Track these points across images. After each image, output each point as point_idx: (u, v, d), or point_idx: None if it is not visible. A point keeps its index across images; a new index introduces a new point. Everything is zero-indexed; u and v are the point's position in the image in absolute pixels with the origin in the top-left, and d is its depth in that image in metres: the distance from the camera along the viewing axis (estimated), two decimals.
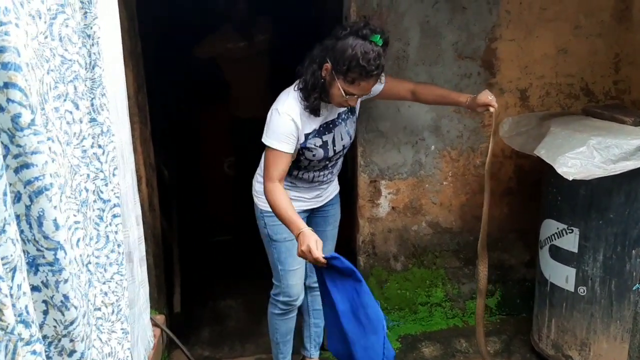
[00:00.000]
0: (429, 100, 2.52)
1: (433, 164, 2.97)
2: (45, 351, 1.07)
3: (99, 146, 1.33)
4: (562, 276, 2.58)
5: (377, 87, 2.31)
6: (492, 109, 2.31)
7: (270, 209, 2.21)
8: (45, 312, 1.09)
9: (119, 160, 1.42)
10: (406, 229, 3.05)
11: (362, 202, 2.98)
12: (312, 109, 2.17)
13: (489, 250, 3.10)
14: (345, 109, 2.30)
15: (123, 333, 1.39)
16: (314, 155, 2.28)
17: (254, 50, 3.96)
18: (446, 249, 3.10)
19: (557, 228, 2.56)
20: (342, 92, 2.07)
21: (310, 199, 2.46)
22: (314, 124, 2.23)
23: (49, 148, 1.08)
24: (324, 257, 1.94)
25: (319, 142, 2.27)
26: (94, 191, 1.31)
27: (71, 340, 1.11)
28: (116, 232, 1.35)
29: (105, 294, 1.32)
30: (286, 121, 2.15)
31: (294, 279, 2.49)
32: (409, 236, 3.06)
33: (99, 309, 1.32)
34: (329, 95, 2.14)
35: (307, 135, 2.23)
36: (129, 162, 1.73)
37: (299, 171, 2.35)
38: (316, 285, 2.65)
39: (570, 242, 2.51)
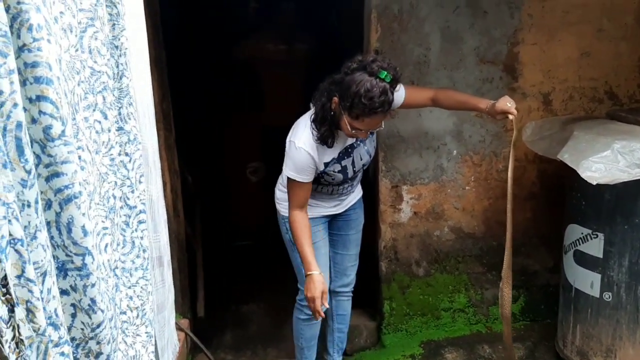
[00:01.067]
0: (449, 106, 2.49)
1: (455, 169, 2.96)
2: (73, 353, 1.11)
3: (126, 154, 1.36)
4: (587, 282, 2.55)
5: (398, 101, 2.29)
6: (511, 117, 2.25)
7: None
8: (74, 315, 1.12)
9: (149, 167, 1.45)
10: (428, 234, 3.04)
11: (383, 207, 2.99)
12: (323, 140, 2.20)
13: (512, 256, 3.09)
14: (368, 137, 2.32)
15: (147, 337, 1.42)
16: (333, 179, 2.34)
17: (293, 57, 3.97)
18: (469, 254, 3.09)
19: (582, 233, 2.54)
20: (349, 126, 2.10)
21: (330, 207, 2.49)
22: (332, 152, 2.27)
23: (79, 157, 1.12)
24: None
25: (337, 167, 2.31)
26: (120, 198, 1.34)
27: (98, 343, 1.15)
28: (142, 238, 1.38)
29: (131, 298, 1.35)
30: (303, 155, 2.20)
31: None
32: (431, 241, 3.05)
33: (124, 313, 1.35)
34: (338, 127, 2.18)
35: (326, 164, 2.27)
36: (158, 168, 1.76)
37: (319, 185, 2.39)
38: (341, 289, 2.69)
39: (595, 247, 2.49)
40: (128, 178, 1.37)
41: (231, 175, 4.64)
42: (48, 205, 1.03)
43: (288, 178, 2.26)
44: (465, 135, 2.93)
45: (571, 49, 2.86)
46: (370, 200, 3.10)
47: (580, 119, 2.74)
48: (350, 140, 2.30)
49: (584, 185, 2.42)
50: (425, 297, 3.10)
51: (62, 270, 1.08)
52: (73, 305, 1.11)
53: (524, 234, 3.06)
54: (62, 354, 0.98)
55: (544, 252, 3.11)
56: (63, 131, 1.01)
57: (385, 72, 1.98)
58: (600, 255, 2.47)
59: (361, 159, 2.37)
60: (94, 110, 1.23)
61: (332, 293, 2.71)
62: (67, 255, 1.08)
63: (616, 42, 2.85)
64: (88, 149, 1.18)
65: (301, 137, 2.21)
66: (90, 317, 1.13)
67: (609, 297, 2.48)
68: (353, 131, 2.12)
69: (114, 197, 1.32)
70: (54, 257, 1.06)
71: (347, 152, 2.32)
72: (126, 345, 1.36)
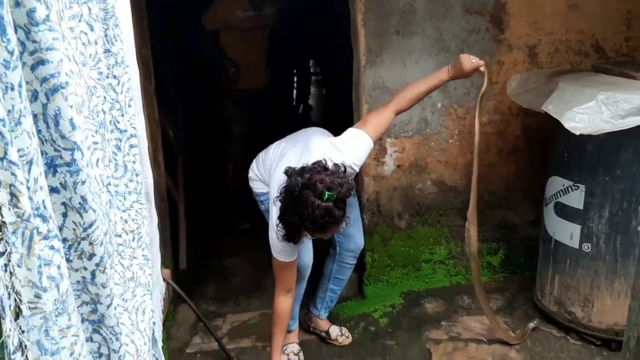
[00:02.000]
0: (414, 102, 2.36)
1: (439, 122, 2.95)
2: (66, 254, 1.08)
3: (114, 77, 1.31)
4: (566, 233, 2.58)
5: (369, 148, 2.26)
6: (482, 68, 2.24)
7: (261, 191, 2.41)
8: (65, 215, 1.09)
9: (134, 93, 1.40)
10: (411, 187, 3.05)
11: (367, 160, 2.96)
12: (289, 239, 2.16)
13: (493, 209, 3.12)
14: None
15: (144, 259, 1.40)
16: None
17: (260, 23, 3.87)
18: (450, 207, 3.10)
19: (563, 185, 2.55)
20: (309, 235, 2.13)
21: None
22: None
23: (65, 54, 1.08)
24: None
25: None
26: (110, 121, 1.30)
27: (90, 244, 1.12)
28: (134, 162, 1.35)
29: (125, 221, 1.32)
30: (285, 244, 2.19)
31: (303, 248, 2.48)
32: (414, 194, 3.06)
33: (120, 236, 1.33)
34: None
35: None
36: (141, 102, 1.70)
37: None
38: (346, 253, 2.67)
39: (576, 198, 2.51)
40: (117, 101, 1.33)
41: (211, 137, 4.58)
42: (34, 96, 1.00)
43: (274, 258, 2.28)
44: (450, 88, 2.90)
45: (558, 1, 2.82)
46: None
47: (565, 72, 2.73)
48: None
49: (567, 137, 2.43)
50: (407, 249, 3.12)
51: (52, 167, 1.05)
52: (64, 204, 1.08)
53: (506, 188, 3.08)
54: (52, 247, 0.96)
55: (526, 206, 3.13)
56: (48, 15, 0.97)
57: (329, 193, 1.93)
58: (581, 207, 2.50)
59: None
60: (79, 20, 1.17)
61: (338, 255, 2.70)
62: (55, 150, 1.04)
63: None
64: (75, 59, 1.14)
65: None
66: (81, 216, 1.09)
67: (588, 248, 2.52)
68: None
69: (103, 112, 1.28)
70: (42, 152, 1.03)
71: None
72: (123, 267, 1.34)
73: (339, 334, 2.77)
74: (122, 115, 1.29)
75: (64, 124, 1.02)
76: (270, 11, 3.91)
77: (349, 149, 2.21)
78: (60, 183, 1.06)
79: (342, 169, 2.07)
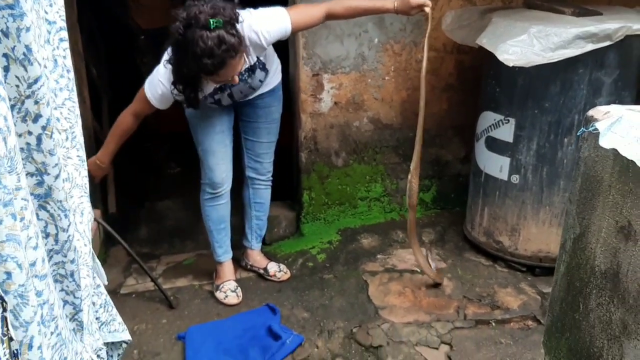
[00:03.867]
0: (348, 16, 2.33)
1: (376, 58, 2.94)
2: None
3: None
4: (496, 166, 2.68)
5: (285, 32, 2.19)
6: (427, 9, 2.21)
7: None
8: (6, 69, 0.97)
9: None
10: (348, 124, 3.05)
11: (304, 96, 2.94)
12: (191, 103, 2.15)
13: (426, 147, 3.18)
14: (243, 71, 2.22)
15: (80, 160, 1.31)
16: (210, 103, 2.31)
17: None
18: (386, 145, 3.14)
19: (494, 119, 2.63)
20: (210, 82, 2.08)
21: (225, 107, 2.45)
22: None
23: None
24: None
25: (210, 100, 2.29)
26: (43, 5, 1.18)
27: (36, 102, 1.01)
28: (64, 57, 1.23)
29: (57, 119, 1.22)
30: (162, 87, 2.17)
31: (213, 160, 2.48)
32: (351, 132, 3.07)
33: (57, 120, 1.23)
34: (201, 85, 2.16)
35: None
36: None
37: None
38: (256, 176, 2.67)
39: (506, 132, 2.60)
40: None
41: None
42: None
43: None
44: (387, 23, 2.89)
45: None
46: (290, 90, 3.05)
47: (498, 9, 2.78)
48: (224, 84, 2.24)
49: (499, 71, 2.50)
50: (344, 187, 3.15)
51: None
52: (5, 55, 0.96)
53: (438, 125, 3.15)
54: None
55: (457, 143, 3.22)
56: None
57: (214, 20, 1.87)
58: (511, 140, 2.59)
59: (241, 92, 2.31)
60: None
61: (249, 179, 2.70)
62: None
63: None
64: None
65: (165, 77, 2.15)
66: (26, 70, 0.98)
67: (517, 179, 2.63)
68: (219, 84, 2.10)
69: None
70: None
71: (221, 88, 2.27)
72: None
73: (277, 270, 2.78)
74: (51, 5, 1.18)
75: None
76: None
77: (261, 15, 2.15)
78: (2, 30, 0.94)
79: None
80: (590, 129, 1.15)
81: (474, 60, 2.95)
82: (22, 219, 0.95)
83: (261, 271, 2.81)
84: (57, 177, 1.09)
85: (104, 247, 2.95)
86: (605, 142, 1.11)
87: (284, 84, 2.60)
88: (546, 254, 2.67)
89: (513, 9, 2.74)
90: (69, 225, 1.15)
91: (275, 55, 2.44)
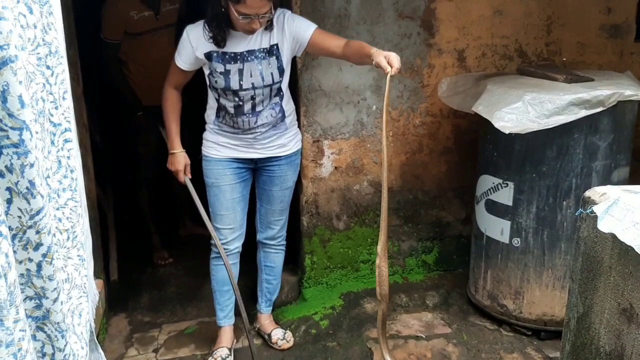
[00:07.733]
0: (351, 56, 2.36)
1: (374, 124, 3.00)
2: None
3: (47, 67, 1.24)
4: (497, 229, 2.69)
5: (305, 34, 2.37)
6: (388, 72, 2.15)
7: (207, 154, 2.54)
8: (9, 201, 1.00)
9: (67, 86, 1.33)
10: (348, 188, 3.08)
11: (305, 162, 2.97)
12: (215, 40, 2.33)
13: (427, 208, 3.21)
14: (261, 48, 2.38)
15: (80, 260, 1.32)
16: (216, 82, 2.39)
17: (161, 23, 3.33)
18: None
19: (493, 183, 2.66)
20: (236, 14, 2.20)
21: (236, 146, 2.51)
22: (211, 47, 2.37)
23: (14, 19, 0.99)
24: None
25: (220, 68, 2.37)
26: (48, 110, 1.22)
27: (37, 232, 1.04)
28: (68, 158, 1.27)
29: (60, 220, 1.23)
30: (184, 38, 2.40)
31: (222, 222, 2.56)
32: (351, 195, 3.09)
33: (54, 235, 1.25)
34: (231, 22, 2.29)
35: (207, 56, 2.37)
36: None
37: (220, 112, 2.47)
38: (267, 242, 2.70)
39: (506, 195, 2.62)
40: (51, 93, 1.24)
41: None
42: None
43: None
44: (384, 90, 2.94)
45: (484, 7, 2.95)
46: None
47: (492, 75, 2.86)
48: (240, 48, 2.36)
49: (496, 136, 2.54)
50: (345, 250, 3.15)
51: None
52: (9, 189, 0.99)
53: (438, 187, 3.18)
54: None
55: (457, 204, 3.24)
56: None
57: None
58: (510, 203, 2.61)
59: (251, 76, 2.37)
60: (17, 2, 1.10)
61: (260, 243, 2.75)
62: (2, 129, 0.96)
63: (526, 1, 2.97)
64: (20, 37, 1.06)
65: (193, 27, 2.40)
66: (28, 202, 1.01)
67: (518, 242, 2.63)
68: (244, 21, 2.21)
69: (43, 101, 1.19)
70: None
71: (235, 57, 2.37)
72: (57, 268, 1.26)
73: (280, 338, 2.75)
74: (56, 108, 1.22)
75: (12, 101, 0.94)
76: (170, 8, 3.37)
77: (294, 15, 2.44)
78: (6, 166, 0.98)
79: None
80: (588, 211, 1.17)
81: (470, 125, 3.01)
82: (19, 350, 0.97)
83: (266, 336, 2.79)
84: (55, 300, 1.12)
85: (105, 317, 2.93)
86: (603, 226, 1.12)
87: None
88: (551, 317, 2.65)
89: (507, 76, 2.81)
90: (65, 345, 1.17)
91: (291, 99, 2.59)
